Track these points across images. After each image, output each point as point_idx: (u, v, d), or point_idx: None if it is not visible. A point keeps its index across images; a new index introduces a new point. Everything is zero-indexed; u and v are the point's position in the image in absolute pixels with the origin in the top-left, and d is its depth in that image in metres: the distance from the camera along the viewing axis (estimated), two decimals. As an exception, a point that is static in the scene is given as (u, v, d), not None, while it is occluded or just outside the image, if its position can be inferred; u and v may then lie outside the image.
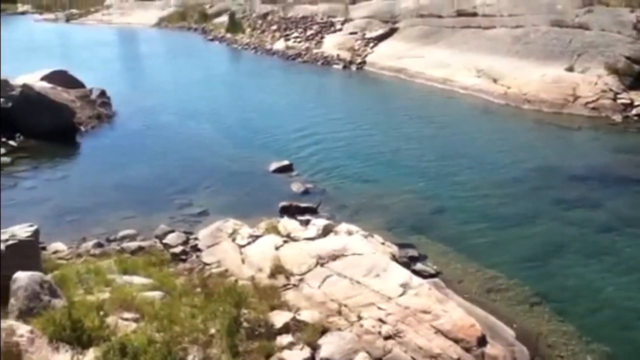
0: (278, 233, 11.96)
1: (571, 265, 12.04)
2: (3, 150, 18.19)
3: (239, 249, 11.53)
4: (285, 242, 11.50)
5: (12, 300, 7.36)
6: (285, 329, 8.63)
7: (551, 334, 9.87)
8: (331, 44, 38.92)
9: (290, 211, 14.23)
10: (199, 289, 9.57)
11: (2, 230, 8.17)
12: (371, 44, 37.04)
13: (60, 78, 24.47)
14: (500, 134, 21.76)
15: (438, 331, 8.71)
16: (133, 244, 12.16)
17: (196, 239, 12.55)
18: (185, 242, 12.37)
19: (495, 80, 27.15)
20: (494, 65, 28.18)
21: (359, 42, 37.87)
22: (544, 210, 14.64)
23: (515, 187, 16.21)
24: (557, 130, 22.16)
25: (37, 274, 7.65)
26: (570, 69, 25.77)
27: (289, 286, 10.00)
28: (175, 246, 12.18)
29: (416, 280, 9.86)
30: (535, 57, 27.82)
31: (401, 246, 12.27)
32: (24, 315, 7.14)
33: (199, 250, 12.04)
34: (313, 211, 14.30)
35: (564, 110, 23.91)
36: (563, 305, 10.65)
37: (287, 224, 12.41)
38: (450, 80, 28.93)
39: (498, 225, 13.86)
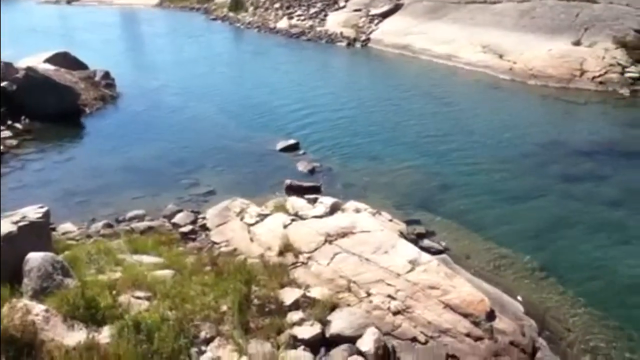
0: (286, 211, 12.01)
1: (578, 239, 12.09)
2: (9, 133, 18.21)
3: (247, 228, 11.59)
4: (293, 220, 11.54)
5: (25, 280, 7.45)
6: (296, 305, 8.72)
7: (559, 308, 9.96)
8: (335, 22, 38.52)
9: (294, 189, 14.27)
10: (208, 268, 9.65)
11: (13, 212, 8.22)
12: (375, 21, 36.64)
13: (64, 60, 24.42)
14: (506, 110, 21.62)
15: (447, 306, 8.78)
16: (142, 224, 12.24)
17: (204, 218, 12.61)
18: (193, 222, 12.44)
19: (500, 56, 26.87)
20: (499, 41, 27.88)
21: (363, 19, 37.47)
22: (551, 185, 14.63)
23: (521, 162, 16.17)
24: (564, 105, 22.01)
25: (49, 255, 7.73)
26: (577, 43, 25.48)
27: (297, 264, 10.07)
28: (184, 225, 12.26)
29: (424, 256, 9.91)
30: (541, 31, 27.50)
31: (409, 223, 12.32)
32: (38, 294, 7.24)
33: (207, 229, 12.11)
34: (317, 190, 14.33)
35: (570, 85, 23.71)
36: (570, 279, 10.71)
37: (295, 202, 12.45)
38: (455, 56, 28.65)
39: (504, 201, 13.88)
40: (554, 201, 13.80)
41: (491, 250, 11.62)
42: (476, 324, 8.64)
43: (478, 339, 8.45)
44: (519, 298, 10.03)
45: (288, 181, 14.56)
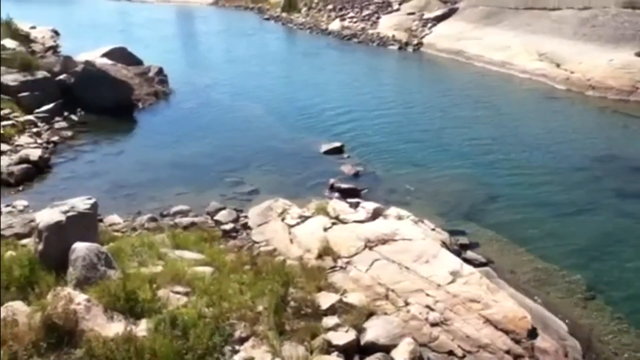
0: (327, 214, 11.95)
1: (628, 259, 11.54)
2: (65, 124, 18.85)
3: (288, 229, 11.61)
4: (334, 223, 11.49)
5: (70, 269, 7.67)
6: (332, 310, 8.65)
7: (605, 330, 9.53)
8: (387, 25, 38.26)
9: (336, 190, 14.32)
10: (247, 267, 9.69)
11: (63, 202, 8.47)
12: (429, 25, 36.18)
13: (120, 55, 25.15)
14: (561, 121, 20.92)
15: (487, 321, 8.54)
16: (185, 220, 12.44)
17: (246, 217, 12.71)
18: (235, 220, 12.56)
19: (558, 65, 26.02)
20: (557, 49, 27.01)
21: (416, 22, 37.07)
22: (603, 201, 14.04)
23: (573, 175, 15.61)
24: (623, 118, 21.09)
25: (94, 245, 7.93)
26: (641, 54, 24.40)
27: (336, 268, 10.01)
28: (226, 223, 12.39)
29: (467, 268, 9.67)
30: (603, 40, 26.46)
31: (452, 233, 12.05)
32: (82, 284, 7.43)
33: (248, 228, 12.20)
34: (357, 193, 14.26)
35: (631, 98, 22.72)
36: (618, 300, 10.24)
37: (337, 205, 12.38)
38: (510, 63, 27.95)
39: (553, 215, 13.41)
40: (605, 218, 13.24)
41: (536, 266, 11.23)
42: (517, 341, 8.37)
43: (518, 356, 8.19)
44: (564, 317, 9.66)
45: (332, 180, 14.65)
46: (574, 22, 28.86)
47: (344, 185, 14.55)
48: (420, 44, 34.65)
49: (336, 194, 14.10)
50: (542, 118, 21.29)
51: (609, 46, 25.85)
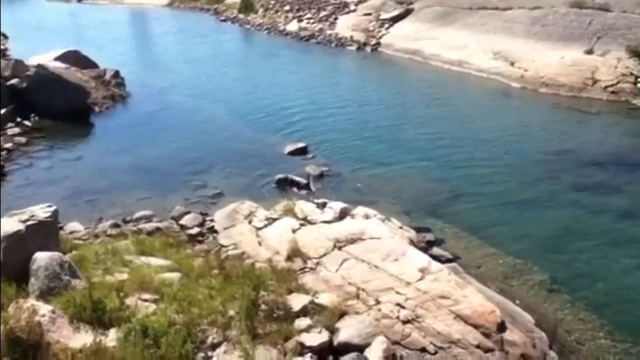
0: (294, 216, 11.90)
1: (589, 250, 11.94)
2: (18, 130, 18.20)
3: (255, 231, 11.49)
4: (302, 225, 11.45)
5: (32, 280, 7.38)
6: (303, 312, 8.60)
7: (570, 321, 9.83)
8: (345, 25, 38.43)
9: (285, 183, 14.72)
10: (216, 271, 9.55)
11: (22, 210, 8.16)
12: (386, 25, 36.52)
13: (74, 58, 24.44)
14: (517, 118, 21.49)
15: (457, 316, 8.65)
16: (149, 225, 12.17)
17: (212, 220, 12.53)
18: (201, 224, 12.37)
19: (512, 63, 26.70)
20: (511, 48, 27.71)
21: (373, 23, 37.36)
22: (562, 195, 14.48)
23: (532, 171, 16.03)
24: (576, 114, 21.81)
25: (56, 254, 7.67)
26: (590, 52, 25.27)
27: (306, 269, 9.96)
28: (192, 227, 12.19)
29: (435, 265, 9.78)
30: (553, 39, 27.30)
31: (418, 230, 12.19)
32: (45, 294, 7.17)
33: (215, 231, 12.03)
34: (306, 187, 14.65)
35: (582, 94, 23.51)
36: (581, 291, 10.57)
37: (304, 206, 12.33)
38: (466, 62, 28.52)
39: (515, 210, 13.75)
40: (564, 211, 13.65)
41: (502, 260, 11.48)
42: (487, 335, 8.50)
43: (488, 350, 8.32)
44: (530, 310, 9.88)
45: (279, 175, 14.94)
46: (525, 21, 29.67)
47: (289, 176, 14.90)
48: (378, 44, 34.95)
49: (282, 184, 14.63)
50: (499, 115, 21.81)
51: (560, 44, 26.69)
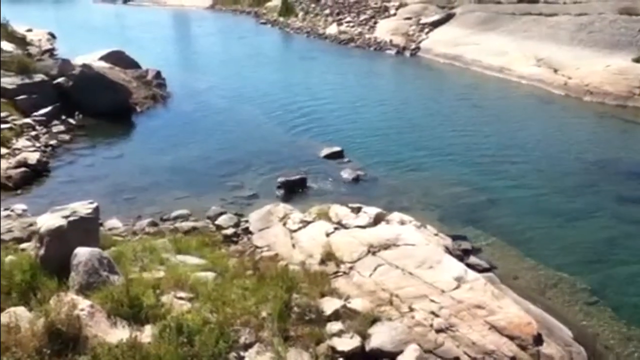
0: (329, 219, 11.90)
1: (632, 263, 11.56)
2: (62, 128, 18.71)
3: (289, 234, 11.53)
4: (336, 228, 11.43)
5: (72, 274, 7.56)
6: (335, 316, 8.58)
7: (610, 336, 9.52)
8: (385, 29, 38.30)
9: (287, 185, 14.69)
10: (250, 272, 9.63)
11: (64, 207, 8.37)
12: (426, 30, 36.25)
13: (118, 58, 25.05)
14: (559, 126, 20.96)
15: (492, 327, 8.48)
16: (186, 224, 12.35)
17: (247, 221, 12.62)
18: (236, 225, 12.48)
19: (555, 70, 26.11)
20: (554, 55, 27.12)
21: (413, 27, 37.13)
22: (604, 206, 14.05)
23: (574, 181, 15.62)
24: (621, 124, 21.17)
25: (96, 250, 7.82)
26: (638, 60, 24.48)
27: (339, 273, 9.94)
28: (227, 228, 12.31)
29: (471, 274, 9.61)
30: (600, 46, 26.60)
31: (455, 238, 12.01)
32: (84, 289, 7.32)
33: (250, 232, 12.12)
34: (302, 183, 14.83)
35: (629, 103, 22.82)
36: (622, 305, 10.24)
37: (338, 210, 12.31)
38: (507, 68, 28.03)
39: (555, 220, 13.40)
40: (606, 223, 13.25)
41: (540, 271, 11.21)
42: (522, 347, 8.31)
43: (524, 363, 8.13)
44: (568, 323, 9.61)
45: (281, 178, 14.93)
46: (570, 27, 29.00)
47: (291, 178, 14.88)
48: (417, 48, 34.71)
49: (282, 192, 14.56)
50: (541, 122, 21.34)
51: (606, 52, 25.99)
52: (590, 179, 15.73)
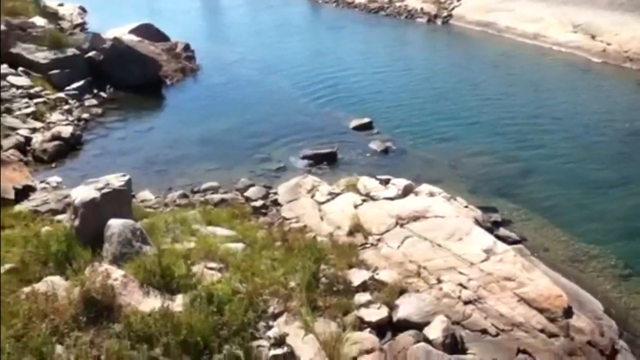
0: (357, 191, 11.90)
1: (668, 237, 11.26)
2: (94, 102, 18.98)
3: (317, 206, 11.59)
4: (364, 200, 11.44)
5: (106, 245, 7.78)
6: (363, 287, 8.67)
7: (643, 310, 9.36)
8: (415, -4, 37.40)
9: (311, 158, 14.72)
10: (279, 243, 9.74)
11: (97, 179, 8.56)
12: (458, -4, 35.23)
13: (147, 31, 25.10)
14: (596, 94, 20.33)
15: (522, 299, 8.43)
16: (216, 196, 12.51)
17: (275, 193, 12.72)
18: (265, 196, 12.58)
19: (593, 37, 25.17)
20: (592, 20, 26.08)
21: (444, -6, 36.13)
22: (638, 178, 13.66)
23: (608, 151, 15.24)
24: (662, 92, 20.42)
25: (129, 222, 8.01)
26: (681, 24, 23.46)
27: (367, 245, 9.99)
28: (256, 200, 12.43)
29: (501, 246, 9.54)
30: (640, 10, 25.48)
31: (484, 210, 11.90)
32: (118, 259, 7.54)
33: (278, 204, 12.21)
34: (332, 157, 14.74)
35: (671, 70, 21.94)
36: (657, 279, 10.03)
37: (367, 182, 12.29)
38: (542, 35, 27.14)
39: (587, 191, 13.15)
40: (641, 195, 12.92)
41: (571, 244, 11.05)
42: (552, 320, 8.26)
43: (553, 335, 8.09)
44: (599, 296, 9.49)
45: (306, 151, 15.01)
46: (610, -9, 27.81)
47: (317, 150, 14.94)
48: (449, 16, 33.80)
49: (307, 162, 14.60)
50: (577, 92, 20.70)
51: (648, 16, 24.89)
52: (626, 149, 15.32)
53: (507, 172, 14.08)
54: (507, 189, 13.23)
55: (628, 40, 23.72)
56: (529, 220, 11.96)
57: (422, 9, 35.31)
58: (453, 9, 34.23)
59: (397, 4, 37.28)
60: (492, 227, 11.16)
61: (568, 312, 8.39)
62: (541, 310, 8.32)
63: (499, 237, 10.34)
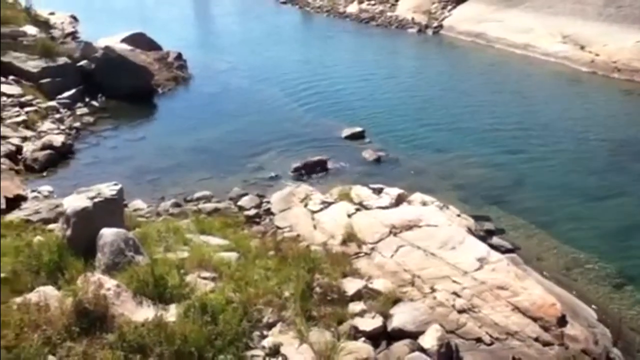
0: (350, 200, 11.90)
1: (658, 246, 11.35)
2: (86, 110, 18.90)
3: (311, 215, 11.57)
4: (357, 209, 11.43)
5: (98, 255, 7.70)
6: (357, 296, 8.63)
7: (636, 318, 9.43)
8: (406, 7, 37.61)
9: (304, 167, 14.66)
10: (272, 252, 9.69)
11: (89, 188, 8.50)
12: (449, 7, 35.50)
13: (139, 40, 25.07)
14: (585, 104, 20.54)
15: (516, 308, 8.44)
16: (209, 205, 12.47)
17: (269, 202, 12.69)
18: (258, 206, 12.56)
19: (582, 47, 25.44)
20: (581, 31, 26.39)
21: (435, 4, 36.38)
22: (630, 186, 13.85)
23: (600, 160, 15.36)
24: (650, 102, 20.65)
25: (121, 231, 7.95)
26: (669, 35, 23.77)
27: (360, 254, 9.96)
28: (249, 209, 12.40)
29: (494, 254, 9.56)
30: (629, 21, 25.75)
31: (477, 219, 11.93)
32: (110, 269, 7.47)
33: (271, 213, 12.18)
34: (325, 166, 14.74)
35: (658, 80, 22.21)
36: (649, 287, 10.09)
37: (360, 191, 12.29)
38: (532, 46, 27.40)
39: (580, 200, 13.24)
40: (632, 203, 13.06)
41: (564, 252, 11.11)
42: (546, 328, 8.27)
43: (547, 344, 8.10)
44: (593, 304, 9.54)
45: (296, 164, 14.87)
46: (598, 2, 28.10)
47: (307, 161, 14.85)
48: (440, 26, 34.09)
49: (299, 171, 14.57)
50: (566, 102, 20.92)
51: (636, 27, 25.17)
52: (618, 159, 15.45)
53: (499, 181, 14.16)
54: (499, 198, 13.29)
55: (616, 51, 24.00)
56: (521, 229, 12.02)
57: (413, 19, 35.58)
58: (444, 19, 34.53)
59: (388, 14, 37.54)
60: (485, 236, 11.19)
61: (562, 321, 8.41)
62: (535, 319, 8.33)
63: (492, 246, 10.37)
